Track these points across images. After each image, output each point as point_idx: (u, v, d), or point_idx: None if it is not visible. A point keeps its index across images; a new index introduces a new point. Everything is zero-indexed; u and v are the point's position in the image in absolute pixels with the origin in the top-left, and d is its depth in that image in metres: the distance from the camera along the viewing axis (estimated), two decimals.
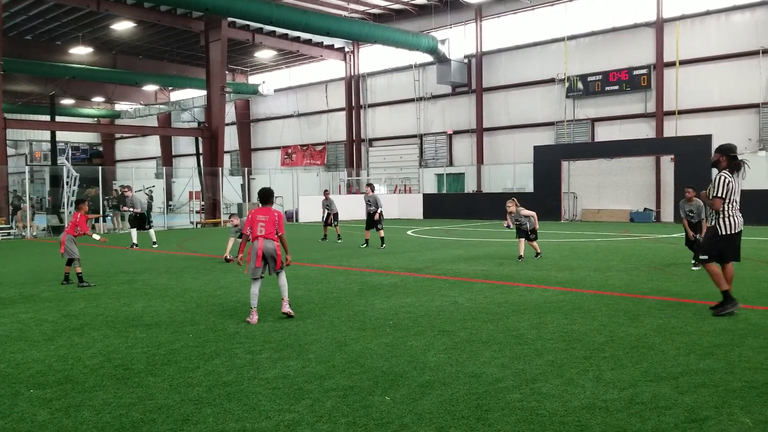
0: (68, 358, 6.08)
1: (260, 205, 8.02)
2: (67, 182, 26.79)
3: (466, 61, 33.66)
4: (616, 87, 28.73)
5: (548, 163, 28.34)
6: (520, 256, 13.57)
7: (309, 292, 9.67)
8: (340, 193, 37.80)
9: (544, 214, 27.73)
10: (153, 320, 7.80)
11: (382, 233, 17.33)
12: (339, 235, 19.99)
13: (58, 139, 36.98)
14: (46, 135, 41.13)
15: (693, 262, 11.52)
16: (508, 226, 14.55)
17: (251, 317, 7.55)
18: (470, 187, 33.99)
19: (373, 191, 18.14)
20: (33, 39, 36.05)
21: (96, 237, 11.72)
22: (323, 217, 20.59)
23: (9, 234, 24.53)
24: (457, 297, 9.04)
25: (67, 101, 47.12)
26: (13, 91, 40.08)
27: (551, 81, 30.84)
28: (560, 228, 23.80)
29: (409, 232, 22.80)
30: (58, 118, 38.43)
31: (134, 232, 18.71)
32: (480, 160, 33.44)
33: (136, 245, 18.26)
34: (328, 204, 20.26)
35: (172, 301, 9.14)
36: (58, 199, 27.79)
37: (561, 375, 5.26)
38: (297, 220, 32.17)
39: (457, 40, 33.34)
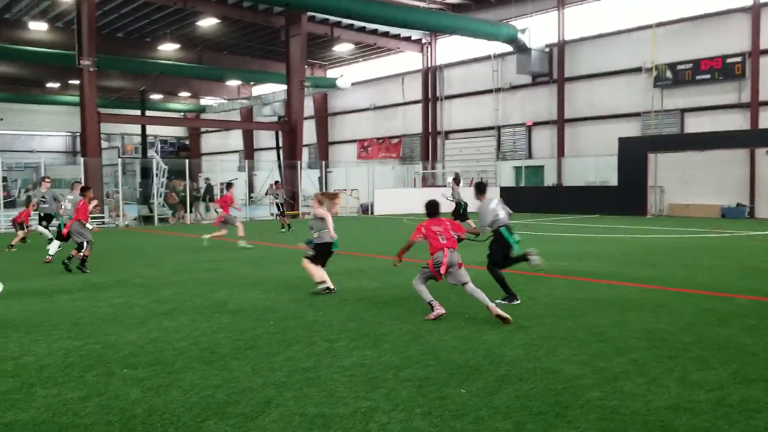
0: (158, 340, 6.39)
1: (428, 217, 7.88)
2: (156, 174, 28.03)
3: (547, 50, 32.88)
4: (708, 76, 27.36)
5: (634, 156, 27.33)
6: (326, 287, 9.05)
7: (384, 284, 9.77)
8: (415, 186, 37.82)
9: (629, 208, 26.96)
10: (236, 307, 8.09)
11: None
12: (287, 225, 21.19)
13: (148, 132, 38.68)
14: (136, 129, 43.07)
15: None
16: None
17: (436, 310, 7.22)
18: (550, 180, 33.26)
19: (457, 184, 18.28)
20: (124, 36, 37.76)
21: (89, 226, 12.06)
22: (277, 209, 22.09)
23: (104, 223, 25.92)
24: (534, 292, 8.91)
25: (155, 96, 49.15)
26: (106, 86, 42.12)
27: (637, 70, 29.70)
28: (645, 223, 22.98)
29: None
30: (147, 113, 40.23)
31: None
32: (561, 152, 32.66)
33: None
34: (276, 194, 21.52)
35: (253, 289, 9.44)
36: (148, 190, 29.10)
37: (644, 374, 5.11)
38: (372, 213, 32.44)
39: (538, 28, 32.59)
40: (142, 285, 10.10)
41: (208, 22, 33.99)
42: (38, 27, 32.37)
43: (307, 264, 9.07)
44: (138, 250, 16.21)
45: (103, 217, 26.20)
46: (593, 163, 30.74)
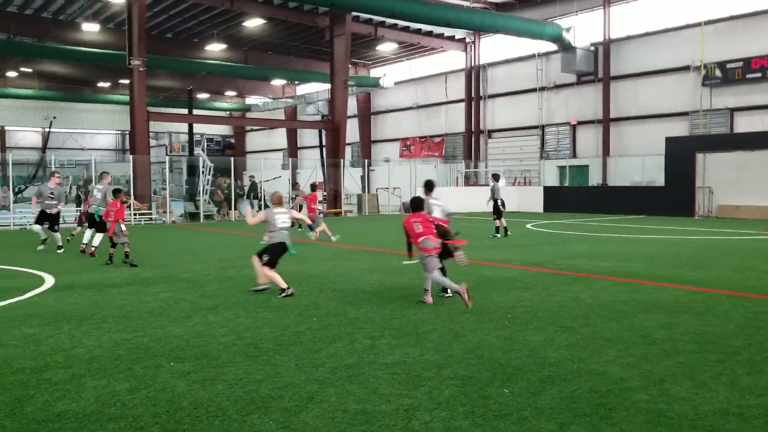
0: (203, 334, 6.51)
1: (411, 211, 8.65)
2: (202, 172, 28.56)
3: (592, 48, 32.35)
4: (759, 74, 26.50)
5: (681, 156, 26.67)
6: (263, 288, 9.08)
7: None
8: (457, 185, 37.63)
9: (676, 208, 26.31)
10: (279, 303, 8.18)
11: (497, 223, 17.68)
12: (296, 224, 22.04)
13: (195, 131, 39.42)
14: (184, 127, 43.99)
15: None
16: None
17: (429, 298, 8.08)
18: (595, 179, 32.71)
19: (496, 181, 18.31)
20: (173, 37, 38.57)
21: (122, 227, 12.37)
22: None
23: (151, 219, 26.53)
24: (578, 293, 8.77)
25: (202, 95, 50.07)
26: (155, 86, 43.09)
27: (685, 69, 28.97)
28: (693, 224, 22.41)
29: (528, 226, 22.35)
30: (194, 112, 40.98)
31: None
32: (606, 151, 32.08)
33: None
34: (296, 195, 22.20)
35: (296, 285, 9.51)
36: (195, 187, 29.66)
37: (692, 378, 4.99)
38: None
39: (583, 27, 32.09)
40: (189, 280, 10.30)
41: (254, 23, 34.45)
42: (91, 28, 33.27)
43: (256, 262, 9.02)
44: (184, 246, 16.54)
45: (150, 214, 26.81)
46: (639, 163, 30.11)
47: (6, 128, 51.90)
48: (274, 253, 8.84)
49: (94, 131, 55.46)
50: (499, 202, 17.81)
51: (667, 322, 6.94)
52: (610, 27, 31.82)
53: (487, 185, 27.11)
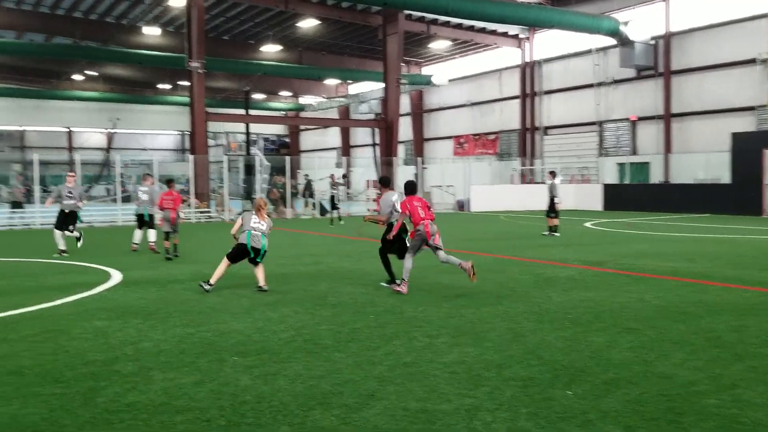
0: (264, 330, 6.61)
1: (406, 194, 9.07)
2: (259, 171, 29.04)
3: (652, 42, 31.46)
4: None
5: (748, 152, 25.66)
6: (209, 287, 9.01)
7: (484, 281, 9.64)
8: (513, 183, 37.20)
9: (742, 207, 25.34)
10: (336, 300, 8.24)
11: (555, 221, 17.41)
12: (337, 219, 21.63)
13: (251, 130, 40.13)
14: (240, 127, 44.85)
15: None
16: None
17: (403, 287, 8.62)
18: (656, 177, 31.82)
19: (553, 178, 17.97)
20: (230, 39, 39.36)
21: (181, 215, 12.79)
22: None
23: (210, 217, 27.15)
24: (642, 294, 8.54)
25: (258, 96, 50.94)
26: (213, 87, 44.09)
27: (751, 62, 27.88)
28: (761, 223, 21.55)
29: (587, 224, 21.90)
30: (250, 112, 41.70)
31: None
32: (668, 148, 31.17)
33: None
34: (335, 186, 21.84)
35: (353, 283, 9.59)
36: (251, 186, 30.19)
37: (766, 382, 4.79)
38: (469, 210, 32.20)
39: (642, 20, 31.23)
40: (247, 276, 10.47)
41: (308, 23, 34.85)
42: (152, 32, 34.29)
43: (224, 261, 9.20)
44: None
45: (209, 212, 27.43)
46: (703, 159, 29.15)
47: (73, 129, 53.93)
48: (236, 251, 9.20)
49: (156, 132, 57.05)
50: (556, 200, 17.51)
51: (737, 324, 6.68)
52: (671, 20, 30.88)
53: (543, 183, 26.73)
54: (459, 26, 36.28)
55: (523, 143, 38.49)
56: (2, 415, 4.25)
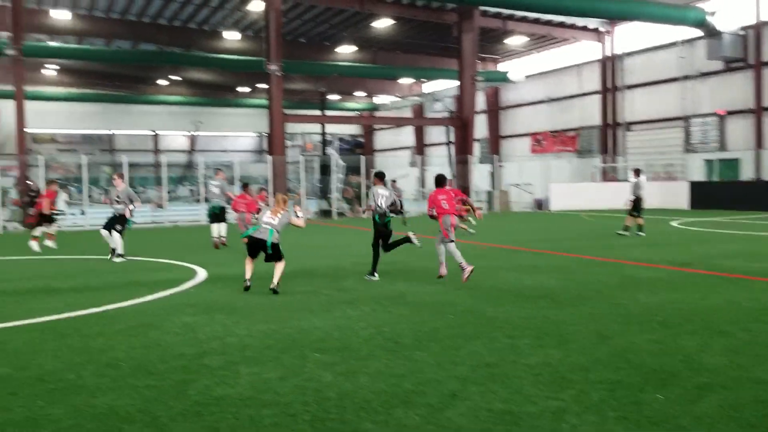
0: (344, 328, 6.69)
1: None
2: (334, 170, 29.43)
3: (741, 32, 29.85)
4: None
5: None
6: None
7: (566, 282, 9.43)
8: (593, 181, 36.17)
9: None
10: (415, 299, 8.24)
11: (639, 221, 16.76)
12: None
13: (326, 131, 40.71)
14: (315, 128, 45.56)
15: None
16: None
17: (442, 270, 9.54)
18: (746, 174, 30.21)
19: (637, 176, 17.30)
20: (306, 41, 40.04)
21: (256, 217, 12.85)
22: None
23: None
24: (734, 295, 8.13)
25: (333, 96, 51.62)
26: (290, 89, 44.94)
27: None
28: None
29: (672, 223, 21.04)
30: (326, 112, 42.32)
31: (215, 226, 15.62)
32: (759, 144, 29.53)
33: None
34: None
35: (431, 282, 9.56)
36: (327, 185, 30.63)
37: None
38: (548, 208, 31.56)
39: (731, 10, 29.70)
40: (326, 275, 10.65)
41: (383, 23, 35.01)
42: (231, 36, 35.31)
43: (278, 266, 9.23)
44: (319, 242, 17.10)
45: (287, 211, 27.99)
46: None
47: (158, 133, 56.28)
48: (248, 246, 9.28)
49: (235, 134, 58.76)
50: (640, 199, 16.89)
51: None
52: (761, 9, 29.24)
53: (626, 180, 25.85)
54: (536, 21, 35.56)
55: (605, 140, 37.35)
56: (100, 406, 4.47)
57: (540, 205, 32.46)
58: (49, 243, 15.46)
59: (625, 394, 4.52)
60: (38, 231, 15.53)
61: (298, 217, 9.83)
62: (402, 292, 8.81)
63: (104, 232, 13.32)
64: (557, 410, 4.23)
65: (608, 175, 36.28)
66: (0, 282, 10.47)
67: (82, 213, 25.10)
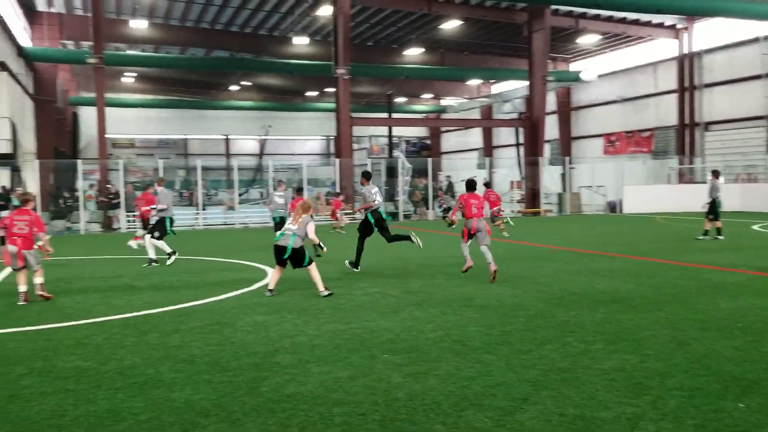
0: (412, 329, 6.69)
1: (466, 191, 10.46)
2: (401, 173, 29.51)
3: None
4: None
5: None
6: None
7: (641, 286, 9.14)
8: (669, 183, 34.90)
9: None
10: (484, 302, 8.16)
11: (717, 224, 16.11)
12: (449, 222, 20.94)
13: (393, 133, 40.84)
14: (382, 130, 45.79)
15: None
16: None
17: (468, 263, 10.25)
18: None
19: (716, 178, 16.56)
20: (374, 44, 40.31)
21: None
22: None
23: (354, 218, 27.97)
24: None
25: (400, 99, 51.75)
26: (357, 92, 45.35)
27: None
28: None
29: (754, 227, 20.07)
30: (393, 115, 42.46)
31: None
32: None
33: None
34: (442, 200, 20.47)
35: (500, 285, 9.45)
36: (393, 188, 30.75)
37: None
38: (621, 211, 30.67)
39: None
40: (393, 276, 10.68)
41: (451, 24, 34.86)
42: (300, 42, 35.93)
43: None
44: (386, 243, 17.14)
45: (354, 214, 28.25)
46: None
47: (230, 137, 57.85)
48: (275, 253, 9.11)
49: (304, 137, 59.76)
50: (717, 202, 16.17)
51: None
52: None
53: (704, 183, 24.85)
54: (609, 19, 34.62)
55: (682, 140, 35.97)
56: (177, 399, 4.63)
57: (613, 207, 31.58)
58: (132, 244, 16.08)
59: (704, 402, 4.34)
60: (140, 231, 15.87)
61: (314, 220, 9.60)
62: (470, 294, 8.74)
63: (147, 238, 13.24)
64: (633, 416, 4.11)
65: (685, 177, 34.92)
66: (86, 280, 11.01)
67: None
